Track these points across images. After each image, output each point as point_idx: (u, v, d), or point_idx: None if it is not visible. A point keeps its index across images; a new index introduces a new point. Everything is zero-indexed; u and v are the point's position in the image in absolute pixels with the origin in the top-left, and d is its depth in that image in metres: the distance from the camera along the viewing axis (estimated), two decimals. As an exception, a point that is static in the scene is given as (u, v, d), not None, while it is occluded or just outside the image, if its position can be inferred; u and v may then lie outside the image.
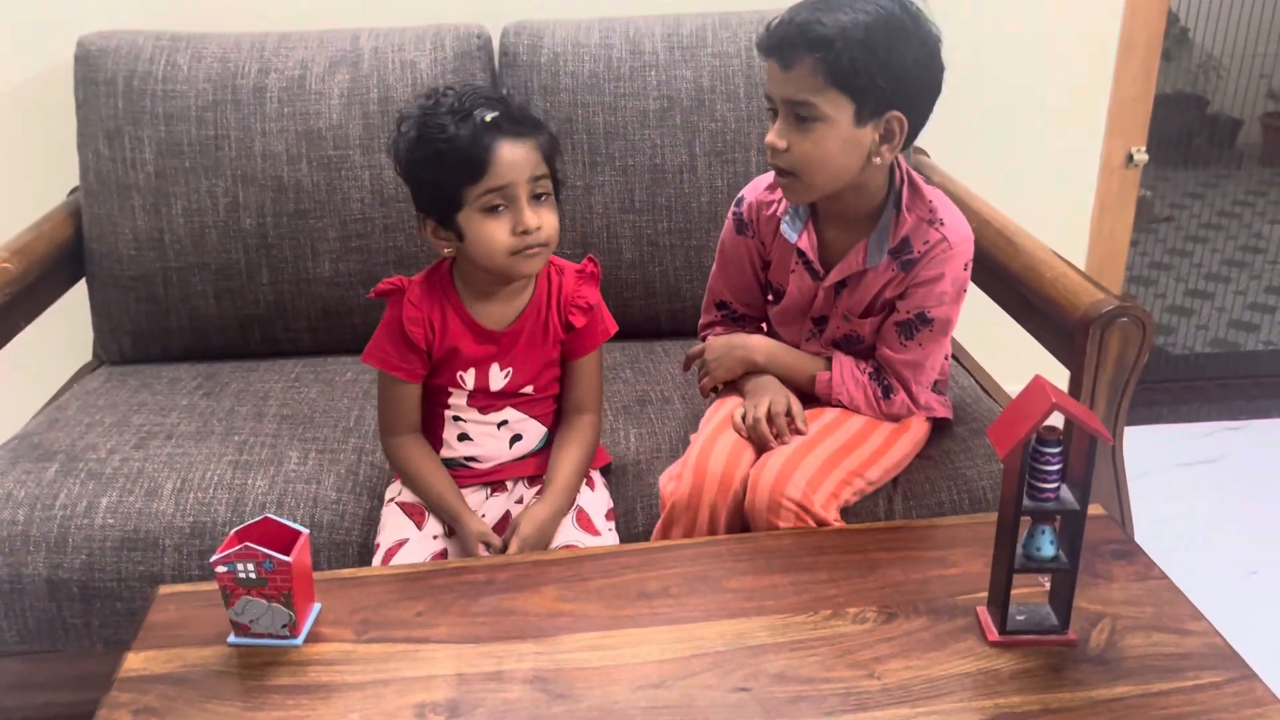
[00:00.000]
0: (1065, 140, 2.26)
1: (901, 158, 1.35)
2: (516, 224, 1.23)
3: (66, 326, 1.97)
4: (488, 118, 1.21)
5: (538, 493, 1.37)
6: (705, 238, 1.86)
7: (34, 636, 1.40)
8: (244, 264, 1.81)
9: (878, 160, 1.27)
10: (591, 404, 1.41)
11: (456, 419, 1.38)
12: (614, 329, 1.41)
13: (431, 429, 1.39)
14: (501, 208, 1.23)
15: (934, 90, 1.26)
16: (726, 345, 1.46)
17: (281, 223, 1.80)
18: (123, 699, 1.03)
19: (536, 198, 1.25)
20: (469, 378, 1.35)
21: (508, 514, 1.38)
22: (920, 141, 2.03)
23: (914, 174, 1.36)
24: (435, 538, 1.34)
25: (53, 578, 1.38)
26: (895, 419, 1.42)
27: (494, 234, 1.24)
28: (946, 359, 1.50)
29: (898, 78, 1.22)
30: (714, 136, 1.85)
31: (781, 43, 1.23)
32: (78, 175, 1.85)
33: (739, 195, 1.47)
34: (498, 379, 1.35)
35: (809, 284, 1.41)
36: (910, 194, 1.34)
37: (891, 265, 1.35)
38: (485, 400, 1.36)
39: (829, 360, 1.42)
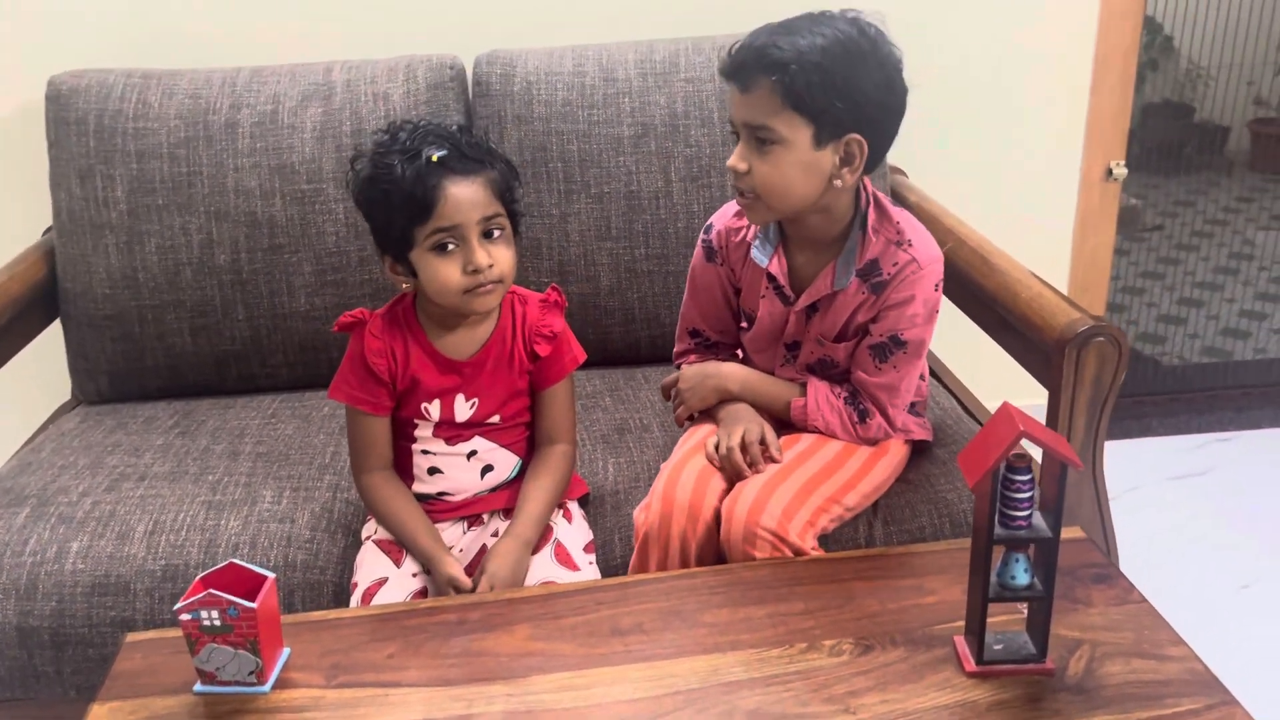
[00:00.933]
0: (1044, 156, 2.26)
1: (867, 181, 1.35)
2: (467, 263, 1.24)
3: (45, 366, 1.96)
4: (435, 157, 1.21)
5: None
6: (683, 263, 1.84)
7: (5, 685, 1.39)
8: (219, 300, 1.80)
9: (839, 183, 1.27)
10: (563, 434, 1.39)
11: (425, 452, 1.37)
12: (582, 357, 1.40)
13: (402, 466, 1.38)
14: (452, 246, 1.23)
15: (896, 112, 1.26)
16: (700, 374, 1.45)
17: (256, 258, 1.80)
18: (86, 753, 1.01)
19: (488, 235, 1.25)
20: (434, 409, 1.34)
21: (484, 548, 1.36)
22: (896, 160, 2.05)
23: (880, 196, 1.36)
24: (414, 575, 1.32)
25: (23, 625, 1.36)
26: (872, 443, 1.41)
27: (445, 273, 1.24)
28: (923, 379, 1.48)
29: (856, 101, 1.22)
30: (689, 162, 1.85)
31: (740, 67, 1.23)
32: (51, 215, 1.84)
33: (708, 223, 1.46)
34: (463, 409, 1.34)
35: (780, 309, 1.40)
36: (877, 216, 1.34)
37: (862, 288, 1.34)
38: (452, 431, 1.35)
39: (804, 386, 1.41)
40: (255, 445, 1.64)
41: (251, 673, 1.07)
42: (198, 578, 1.06)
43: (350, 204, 1.78)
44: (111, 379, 1.84)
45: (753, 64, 1.22)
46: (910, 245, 1.33)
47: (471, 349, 1.34)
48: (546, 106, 1.84)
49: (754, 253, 1.39)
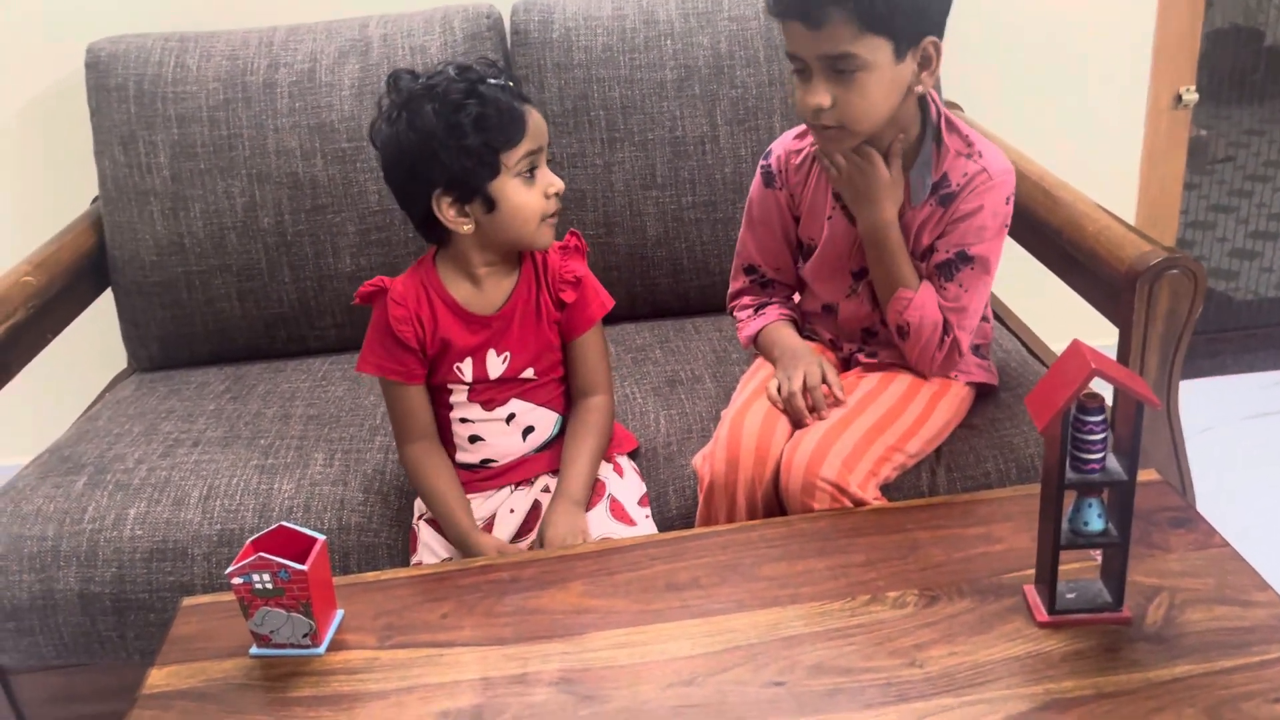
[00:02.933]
0: (1108, 84, 2.15)
1: (935, 94, 1.30)
2: (547, 185, 1.24)
3: (102, 335, 1.97)
4: (510, 83, 1.23)
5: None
6: (731, 209, 1.80)
7: (69, 650, 1.40)
8: (265, 264, 1.79)
9: (919, 89, 1.25)
10: (599, 384, 1.35)
11: (464, 420, 1.33)
12: (610, 303, 1.35)
13: (443, 438, 1.35)
14: (533, 170, 1.24)
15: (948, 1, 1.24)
16: (880, 177, 1.29)
17: (300, 219, 1.78)
18: (145, 716, 1.01)
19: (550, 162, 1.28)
20: (466, 368, 1.31)
21: (536, 505, 1.34)
22: (955, 93, 1.97)
23: (946, 110, 1.31)
24: None
25: (85, 591, 1.38)
26: (942, 370, 1.35)
27: (532, 198, 1.23)
28: (986, 321, 1.43)
29: (921, 5, 1.19)
30: (735, 104, 1.79)
31: (804, 2, 1.18)
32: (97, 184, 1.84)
33: (766, 150, 1.43)
34: (495, 365, 1.31)
35: (846, 229, 1.35)
36: (947, 128, 1.30)
37: (929, 201, 1.30)
38: (487, 393, 1.32)
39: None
40: (306, 408, 1.64)
41: (305, 635, 1.06)
42: (249, 541, 1.06)
43: (391, 161, 1.77)
44: (163, 345, 1.84)
45: None
46: (980, 156, 1.29)
47: (498, 302, 1.30)
48: (586, 53, 1.80)
49: (823, 168, 1.33)
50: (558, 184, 1.25)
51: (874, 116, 1.23)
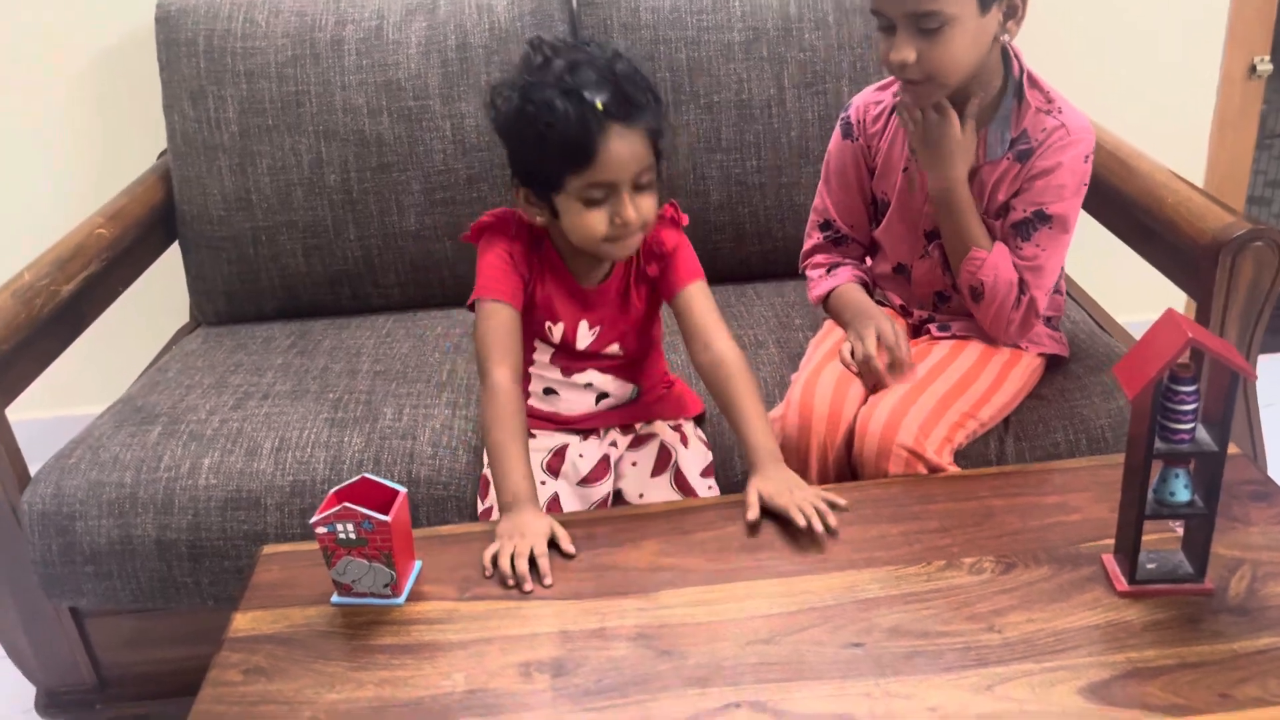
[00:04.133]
0: (1181, 51, 2.11)
1: (1018, 49, 1.28)
2: (615, 215, 1.16)
3: (166, 289, 2.00)
4: (599, 103, 1.11)
5: (632, 443, 1.34)
6: (796, 174, 1.79)
7: (146, 595, 1.44)
8: (330, 221, 1.80)
9: (1006, 38, 1.24)
10: (712, 330, 1.24)
11: (540, 376, 1.34)
12: (700, 275, 1.29)
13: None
14: (602, 199, 1.15)
15: None
16: (954, 135, 1.27)
17: (365, 177, 1.79)
18: (233, 659, 1.03)
19: (637, 187, 1.16)
20: (557, 331, 1.29)
21: (605, 458, 1.34)
22: (1025, 58, 1.93)
23: (1027, 66, 1.29)
24: (542, 484, 1.29)
25: (161, 538, 1.40)
26: (1020, 333, 1.35)
27: (591, 222, 1.16)
28: (1058, 294, 1.41)
29: None
30: (803, 67, 1.77)
31: None
32: (165, 138, 1.86)
33: (846, 103, 1.43)
34: (585, 336, 1.30)
35: (920, 184, 1.34)
36: (1029, 84, 1.29)
37: (1008, 155, 1.29)
38: (568, 360, 1.32)
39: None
40: (372, 364, 1.65)
41: (386, 585, 1.08)
42: (331, 491, 1.07)
43: (456, 121, 1.78)
44: (229, 300, 1.86)
45: None
46: (1060, 112, 1.28)
47: (600, 276, 1.28)
48: (654, 13, 1.78)
49: (899, 120, 1.33)
50: (628, 217, 1.15)
51: (961, 69, 1.22)
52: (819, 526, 1.10)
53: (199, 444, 1.46)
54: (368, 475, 1.09)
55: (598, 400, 1.35)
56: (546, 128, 1.12)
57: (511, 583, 1.08)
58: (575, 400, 1.35)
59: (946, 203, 1.30)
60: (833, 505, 1.13)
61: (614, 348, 1.31)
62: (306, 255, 1.82)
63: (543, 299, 1.27)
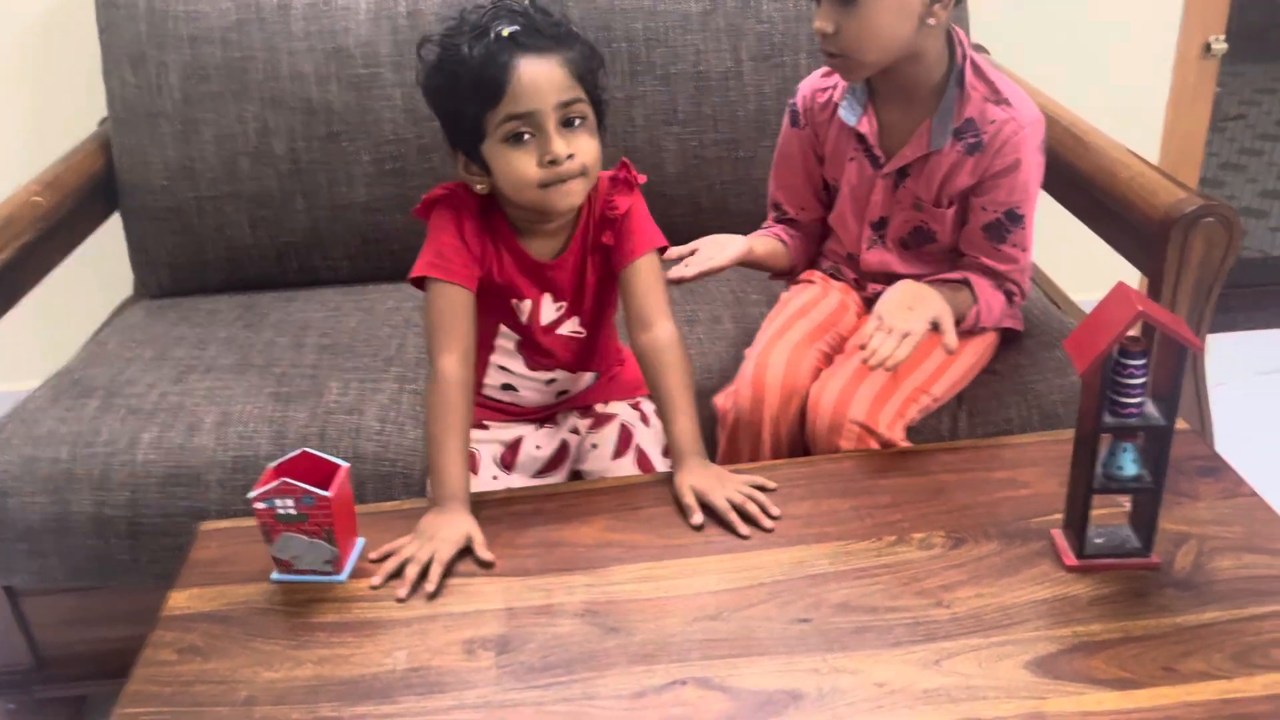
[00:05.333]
0: (1137, 29, 2.11)
1: (963, 35, 1.27)
2: (544, 153, 1.09)
3: (108, 260, 1.94)
4: (505, 32, 1.07)
5: (592, 425, 1.32)
6: (754, 148, 1.77)
7: (82, 573, 1.40)
8: (278, 191, 1.76)
9: (932, 21, 1.21)
10: (655, 310, 1.19)
11: (503, 368, 1.28)
12: (660, 242, 1.24)
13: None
14: (528, 136, 1.09)
15: None
16: (912, 296, 1.24)
17: (313, 147, 1.75)
18: (167, 637, 1.01)
19: (568, 124, 1.10)
20: (524, 309, 1.23)
21: (563, 445, 1.32)
22: (981, 35, 1.92)
23: (976, 55, 1.28)
24: (495, 479, 1.28)
25: (99, 515, 1.37)
26: (1012, 324, 1.38)
27: (520, 165, 1.09)
28: None
29: None
30: (761, 39, 1.75)
31: None
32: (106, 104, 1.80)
33: (795, 89, 1.41)
34: (549, 312, 1.24)
35: (868, 173, 1.33)
36: (973, 72, 1.27)
37: (956, 147, 1.27)
38: (533, 353, 1.26)
39: (970, 290, 1.32)
40: (319, 338, 1.62)
41: (327, 561, 1.06)
42: (270, 466, 1.04)
43: (408, 90, 1.74)
44: (173, 272, 1.82)
45: None
46: (1009, 104, 1.26)
47: (556, 248, 1.22)
48: (610, -18, 1.75)
49: (841, 111, 1.32)
50: (555, 151, 1.08)
51: (879, 46, 1.20)
52: (766, 523, 1.09)
53: (138, 418, 1.42)
54: (309, 450, 1.07)
55: (557, 396, 1.32)
56: (458, 69, 1.08)
57: (391, 585, 1.05)
58: (533, 398, 1.31)
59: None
60: (761, 488, 1.12)
61: (575, 325, 1.26)
62: (253, 227, 1.78)
63: (503, 278, 1.21)
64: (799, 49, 1.75)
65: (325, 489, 1.02)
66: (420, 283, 1.18)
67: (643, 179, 1.23)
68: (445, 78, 1.11)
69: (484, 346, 1.26)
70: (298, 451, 1.06)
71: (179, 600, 1.05)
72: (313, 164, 1.75)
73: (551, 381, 1.29)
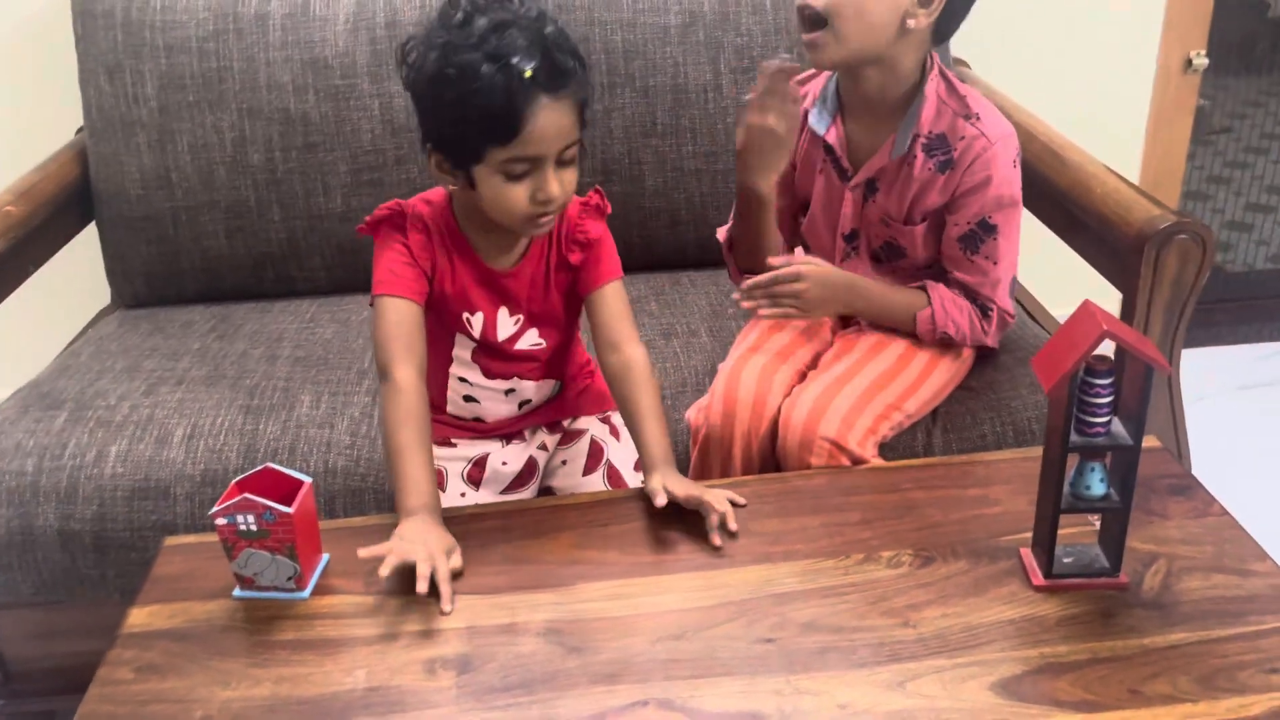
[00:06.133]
0: (1118, 44, 2.12)
1: (936, 54, 1.26)
2: (538, 190, 1.08)
3: (84, 270, 1.93)
4: (527, 71, 1.02)
5: (561, 440, 1.31)
6: (732, 161, 1.76)
7: (49, 587, 1.38)
8: (254, 201, 1.75)
9: (911, 24, 1.20)
10: (623, 333, 1.20)
11: (462, 380, 1.27)
12: (620, 273, 1.23)
13: (435, 396, 1.25)
14: (525, 173, 1.07)
15: None
16: (829, 281, 1.28)
17: (290, 157, 1.74)
18: (126, 655, 0.99)
19: (560, 161, 1.09)
20: (476, 322, 1.21)
21: (530, 461, 1.31)
22: (962, 49, 1.93)
23: (948, 71, 1.28)
24: (462, 495, 1.27)
25: (64, 529, 1.35)
26: (996, 340, 1.37)
27: (512, 198, 1.08)
28: None
29: None
30: (739, 52, 1.75)
31: None
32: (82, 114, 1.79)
33: None
34: (506, 326, 1.22)
35: (836, 185, 1.33)
36: (945, 87, 1.27)
37: (928, 164, 1.27)
38: (489, 360, 1.24)
39: (926, 294, 1.33)
40: (293, 350, 1.61)
41: (290, 578, 1.04)
42: (233, 482, 1.03)
43: (385, 100, 1.73)
44: (148, 281, 1.81)
45: None
46: (978, 120, 1.25)
47: (513, 259, 1.19)
48: (589, -6, 1.75)
49: (811, 119, 1.31)
50: (551, 193, 1.07)
51: (861, 19, 1.18)
52: (732, 525, 1.08)
53: (106, 431, 1.41)
54: (271, 465, 1.06)
55: (520, 406, 1.30)
56: (470, 94, 1.02)
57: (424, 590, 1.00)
58: (497, 409, 1.29)
59: (858, 310, 1.34)
60: (732, 503, 1.11)
61: (534, 337, 1.25)
62: (229, 236, 1.77)
63: (455, 290, 1.19)
64: (778, 62, 1.75)
65: (288, 505, 1.01)
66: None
67: (609, 209, 1.22)
68: (451, 97, 1.04)
69: (441, 363, 1.25)
70: (260, 467, 1.05)
71: (139, 617, 1.04)
72: (289, 174, 1.74)
73: (510, 391, 1.27)
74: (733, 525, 1.08)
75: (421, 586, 0.99)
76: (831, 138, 1.31)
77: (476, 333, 1.22)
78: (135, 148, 1.74)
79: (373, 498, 1.37)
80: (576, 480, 1.28)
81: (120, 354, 1.61)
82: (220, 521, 1.02)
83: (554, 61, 1.04)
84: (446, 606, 1.01)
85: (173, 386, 1.50)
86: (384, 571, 1.00)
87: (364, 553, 1.03)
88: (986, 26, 1.99)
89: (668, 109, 1.76)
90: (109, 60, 1.74)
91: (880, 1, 1.18)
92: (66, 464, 1.37)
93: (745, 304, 1.26)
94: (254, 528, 1.02)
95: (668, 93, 1.75)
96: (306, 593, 1.05)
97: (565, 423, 1.32)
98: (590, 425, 1.32)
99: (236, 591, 1.06)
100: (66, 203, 1.75)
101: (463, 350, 1.25)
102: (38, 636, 1.46)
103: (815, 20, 1.20)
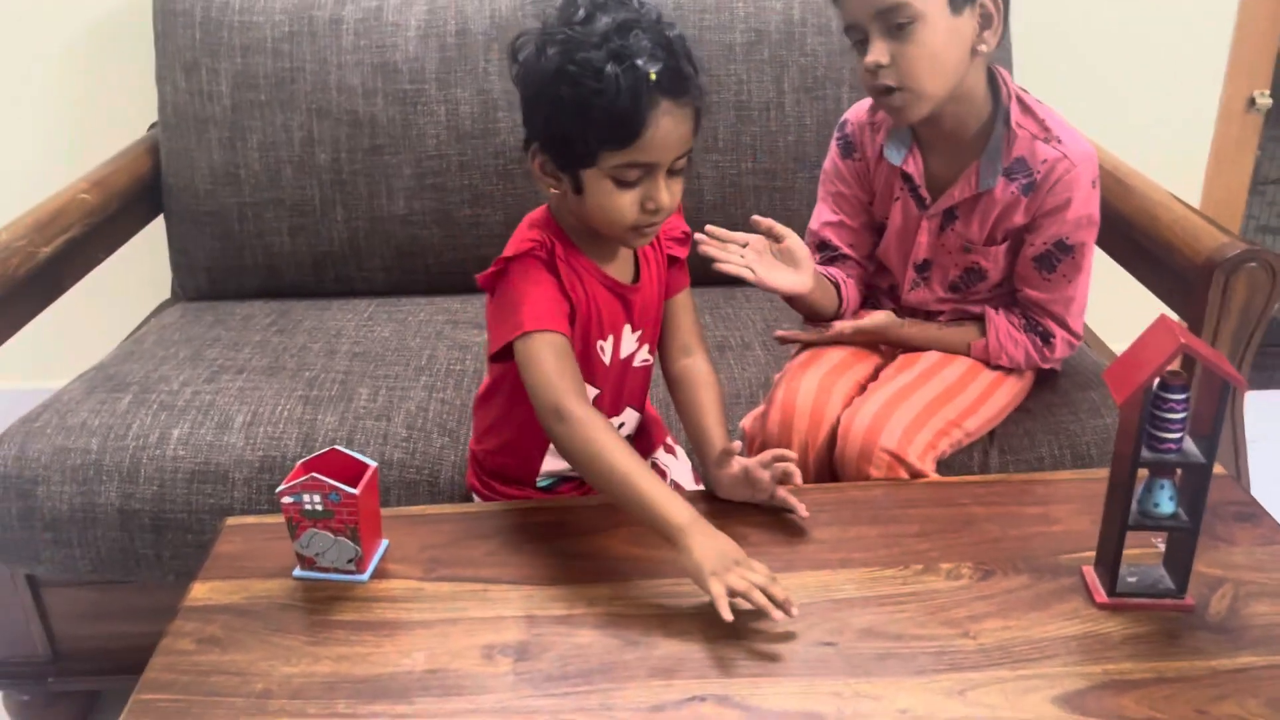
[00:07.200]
0: (1181, 82, 2.11)
1: (1007, 75, 1.26)
2: (648, 199, 1.04)
3: (150, 262, 1.97)
4: (653, 74, 0.98)
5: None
6: (791, 179, 1.78)
7: (107, 566, 1.40)
8: (318, 200, 1.78)
9: (983, 48, 1.20)
10: (698, 341, 1.21)
11: None
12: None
13: (533, 445, 1.19)
14: (636, 180, 1.03)
15: None
16: (880, 327, 1.35)
17: (356, 158, 1.77)
18: (187, 628, 1.00)
19: (673, 171, 1.05)
20: (608, 347, 1.14)
21: None
22: (1025, 79, 1.92)
23: (1022, 92, 1.27)
24: None
25: (125, 508, 1.37)
26: (1054, 365, 1.37)
27: (621, 204, 1.03)
28: None
29: None
30: (804, 72, 1.76)
31: None
32: (157, 110, 1.83)
33: (840, 120, 1.38)
34: (629, 343, 1.16)
35: (914, 214, 1.32)
36: (1020, 110, 1.26)
37: (1010, 188, 1.26)
38: (602, 401, 1.17)
39: (982, 325, 1.34)
40: (352, 345, 1.62)
41: (350, 560, 1.05)
42: (300, 462, 1.04)
43: (452, 106, 1.76)
44: (211, 276, 1.84)
45: None
46: (1060, 142, 1.24)
47: (631, 270, 1.14)
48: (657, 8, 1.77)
49: (886, 151, 1.30)
50: (662, 202, 1.03)
51: (938, 73, 1.18)
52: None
53: (169, 414, 1.43)
54: (338, 448, 1.07)
55: None
56: (592, 95, 0.98)
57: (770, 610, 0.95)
58: None
59: (912, 346, 1.36)
60: (790, 511, 1.12)
61: (645, 353, 1.19)
62: (292, 234, 1.80)
63: (592, 313, 1.11)
64: (841, 82, 1.76)
65: (353, 487, 1.02)
66: (508, 347, 1.08)
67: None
68: (570, 95, 0.99)
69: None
70: (327, 449, 1.06)
71: (200, 591, 1.05)
72: (354, 175, 1.77)
73: (621, 425, 1.22)
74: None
75: (777, 615, 0.95)
76: (910, 167, 1.30)
77: (608, 358, 1.16)
78: (206, 144, 1.78)
79: (426, 489, 1.38)
80: None
81: (183, 343, 1.64)
82: (286, 500, 1.03)
83: (678, 66, 1.01)
84: (794, 610, 0.96)
85: (234, 375, 1.53)
86: (728, 617, 0.95)
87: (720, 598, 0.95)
88: (1049, 59, 2.00)
89: (730, 125, 1.77)
90: (186, 58, 1.78)
91: (949, 44, 1.17)
92: (129, 444, 1.39)
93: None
94: (319, 508, 1.03)
95: (730, 109, 1.77)
96: (366, 576, 1.06)
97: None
98: (656, 454, 1.31)
99: (296, 571, 1.07)
100: (138, 195, 1.80)
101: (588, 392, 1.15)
102: (89, 615, 1.48)
103: (891, 88, 1.19)
